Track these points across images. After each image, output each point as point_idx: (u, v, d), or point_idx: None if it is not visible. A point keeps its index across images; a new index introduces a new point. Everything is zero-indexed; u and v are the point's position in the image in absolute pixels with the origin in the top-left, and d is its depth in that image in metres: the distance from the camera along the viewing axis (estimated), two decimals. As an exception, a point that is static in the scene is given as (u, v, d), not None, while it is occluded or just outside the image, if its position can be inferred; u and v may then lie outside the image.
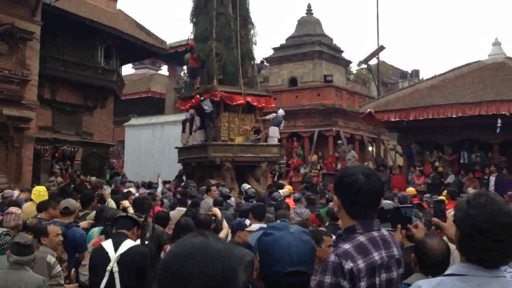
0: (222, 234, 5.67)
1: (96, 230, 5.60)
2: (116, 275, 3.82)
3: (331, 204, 8.44)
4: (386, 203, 2.43)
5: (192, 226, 5.11)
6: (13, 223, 5.10)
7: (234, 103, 15.29)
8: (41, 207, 5.90)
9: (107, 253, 3.92)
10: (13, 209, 5.34)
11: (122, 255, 3.87)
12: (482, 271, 1.67)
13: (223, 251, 1.14)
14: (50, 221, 5.52)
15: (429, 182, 15.41)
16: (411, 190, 11.46)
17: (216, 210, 5.42)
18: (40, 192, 7.47)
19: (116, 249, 3.93)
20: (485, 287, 1.65)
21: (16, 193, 8.70)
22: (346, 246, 1.94)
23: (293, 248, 1.67)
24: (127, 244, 4.00)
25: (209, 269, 1.09)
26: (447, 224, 2.29)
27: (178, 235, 4.82)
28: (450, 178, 15.02)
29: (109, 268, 3.84)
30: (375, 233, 2.02)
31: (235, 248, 1.22)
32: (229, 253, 1.16)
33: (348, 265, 1.87)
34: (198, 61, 15.58)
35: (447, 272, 1.76)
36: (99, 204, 6.95)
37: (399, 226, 2.47)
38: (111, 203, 6.81)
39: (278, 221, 5.22)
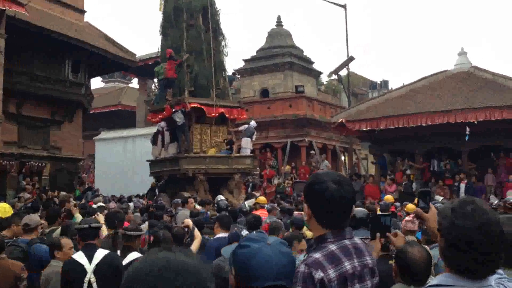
0: (195, 244, 5.53)
1: (62, 246, 5.35)
2: (95, 285, 3.85)
3: (295, 213, 8.39)
4: (359, 210, 2.36)
5: (170, 239, 4.97)
6: None
7: (207, 115, 15.17)
8: (4, 224, 5.62)
9: (82, 265, 3.89)
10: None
11: (98, 264, 3.89)
12: (467, 281, 1.58)
13: (190, 266, 1.05)
14: (13, 238, 5.27)
15: (401, 190, 15.57)
16: (389, 198, 11.45)
17: (188, 221, 5.28)
18: (5, 209, 7.15)
19: (90, 260, 3.92)
20: None
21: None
22: (317, 255, 1.85)
23: (272, 261, 1.56)
24: (101, 253, 4.03)
25: (176, 285, 0.99)
26: (429, 215, 2.21)
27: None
28: (417, 187, 15.19)
29: (86, 279, 3.84)
30: (347, 242, 1.94)
31: (204, 261, 1.11)
32: (197, 268, 1.06)
33: (319, 275, 1.78)
34: (175, 70, 15.25)
35: (432, 283, 1.67)
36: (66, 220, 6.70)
37: (378, 234, 2.39)
38: (79, 218, 6.58)
39: (254, 232, 5.12)
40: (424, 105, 16.00)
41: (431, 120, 15.28)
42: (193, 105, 14.75)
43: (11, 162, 16.34)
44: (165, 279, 0.99)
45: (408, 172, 16.94)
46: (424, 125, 15.42)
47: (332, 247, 1.88)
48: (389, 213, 2.63)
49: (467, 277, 1.57)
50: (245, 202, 10.68)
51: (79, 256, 4.01)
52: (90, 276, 3.85)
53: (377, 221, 2.52)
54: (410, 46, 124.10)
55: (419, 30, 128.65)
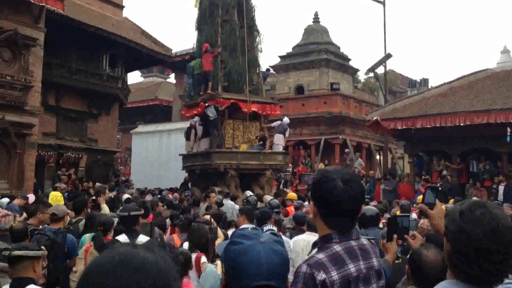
0: (217, 242, 5.55)
1: (87, 236, 5.47)
2: None
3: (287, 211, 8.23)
4: (369, 208, 2.26)
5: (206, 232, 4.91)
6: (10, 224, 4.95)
7: (240, 111, 15.18)
8: (30, 212, 5.76)
9: None
10: (5, 211, 5.19)
11: None
12: None
13: (151, 262, 0.97)
14: (40, 226, 5.40)
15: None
16: (420, 199, 11.16)
17: (206, 217, 5.25)
18: (56, 197, 7.40)
19: None
20: None
21: (5, 200, 8.55)
22: (320, 256, 1.77)
23: (263, 260, 1.48)
24: (142, 238, 4.30)
25: (135, 282, 0.93)
26: (434, 212, 2.12)
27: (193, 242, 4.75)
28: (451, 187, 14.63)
29: None
30: (353, 243, 1.85)
31: (170, 259, 1.04)
32: (160, 265, 0.98)
33: (321, 276, 1.71)
34: (211, 63, 15.23)
35: None
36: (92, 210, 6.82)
37: (395, 236, 2.29)
38: (105, 209, 6.68)
39: (249, 228, 5.01)
40: (463, 104, 15.48)
41: (469, 120, 14.76)
42: (226, 102, 14.77)
43: (49, 153, 16.81)
44: (121, 274, 0.93)
45: (444, 172, 16.46)
46: (462, 125, 14.92)
47: (337, 247, 1.80)
48: (407, 214, 2.51)
49: (473, 284, 1.47)
50: (249, 193, 10.71)
51: (123, 239, 4.32)
52: None
53: (394, 222, 2.41)
54: (453, 44, 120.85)
55: (462, 27, 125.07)
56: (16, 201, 7.72)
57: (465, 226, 1.46)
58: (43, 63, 14.56)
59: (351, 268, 1.77)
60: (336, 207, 1.81)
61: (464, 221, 1.47)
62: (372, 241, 2.08)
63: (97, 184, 16.74)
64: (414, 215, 7.88)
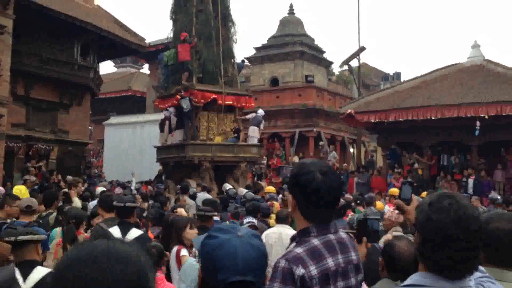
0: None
1: (58, 230, 5.35)
2: None
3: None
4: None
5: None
6: None
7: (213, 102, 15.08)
8: (-1, 205, 5.60)
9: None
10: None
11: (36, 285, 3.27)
12: (444, 281, 1.48)
13: (130, 254, 0.98)
14: (8, 220, 5.25)
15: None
16: (394, 190, 11.23)
17: (181, 210, 5.22)
18: (21, 191, 7.16)
19: (124, 236, 4.05)
20: None
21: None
22: (298, 250, 1.75)
23: (239, 254, 1.45)
24: (135, 232, 4.19)
25: (115, 273, 0.92)
26: (410, 208, 2.13)
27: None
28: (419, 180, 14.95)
29: None
30: (331, 236, 1.84)
31: (144, 252, 1.03)
32: (138, 256, 0.99)
33: (299, 271, 1.69)
34: (189, 53, 14.94)
35: (406, 282, 1.57)
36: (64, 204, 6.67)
37: (364, 239, 2.29)
38: (77, 202, 6.55)
39: (227, 222, 5.07)
40: (434, 98, 15.74)
41: (441, 114, 15.03)
42: (203, 96, 14.64)
43: (18, 145, 16.42)
44: (104, 265, 0.93)
45: (416, 165, 16.74)
46: (433, 118, 15.18)
47: (315, 242, 1.78)
48: (377, 217, 2.51)
49: (444, 276, 1.49)
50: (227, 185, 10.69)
51: (114, 231, 4.21)
52: None
53: (364, 224, 2.40)
54: (425, 38, 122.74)
55: (434, 22, 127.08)
56: None
57: (433, 215, 1.50)
58: (12, 51, 14.15)
59: (330, 262, 1.76)
60: (315, 199, 1.80)
61: (432, 210, 1.51)
62: (350, 234, 2.07)
63: (69, 177, 16.46)
64: (387, 208, 7.98)
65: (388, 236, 4.25)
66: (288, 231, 5.41)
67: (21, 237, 3.44)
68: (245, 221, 5.53)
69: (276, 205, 8.37)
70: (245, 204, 8.65)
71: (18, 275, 3.22)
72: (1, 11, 13.52)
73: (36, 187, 11.96)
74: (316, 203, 1.81)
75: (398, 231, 4.58)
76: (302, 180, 1.83)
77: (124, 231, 4.18)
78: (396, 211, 5.42)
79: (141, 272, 0.97)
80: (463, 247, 1.45)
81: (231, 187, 12.03)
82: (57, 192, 7.08)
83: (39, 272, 3.32)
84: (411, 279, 1.56)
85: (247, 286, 1.44)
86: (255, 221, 5.01)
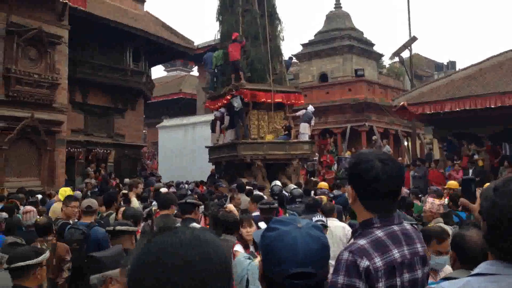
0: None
1: (119, 230, 5.50)
2: None
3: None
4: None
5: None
6: (33, 220, 5.08)
7: (264, 101, 15.11)
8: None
9: None
10: (28, 207, 5.29)
11: None
12: None
13: (213, 238, 1.05)
14: (71, 220, 5.46)
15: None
16: (452, 183, 10.81)
17: (231, 206, 5.28)
18: (66, 192, 7.48)
19: None
20: None
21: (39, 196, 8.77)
22: (362, 242, 1.69)
23: (299, 246, 1.41)
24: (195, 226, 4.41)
25: (209, 256, 0.98)
26: (476, 206, 2.03)
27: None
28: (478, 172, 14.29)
29: None
30: (395, 227, 1.76)
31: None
32: (218, 241, 1.06)
33: (364, 263, 1.63)
34: (240, 52, 14.92)
35: (475, 271, 1.49)
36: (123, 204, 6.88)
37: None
38: (135, 203, 6.72)
39: (287, 214, 5.06)
40: (492, 85, 15.04)
41: (501, 102, 14.32)
42: (249, 92, 14.69)
43: (78, 149, 17.11)
44: (195, 249, 0.98)
45: (476, 157, 16.06)
46: (493, 106, 14.50)
47: (379, 233, 1.72)
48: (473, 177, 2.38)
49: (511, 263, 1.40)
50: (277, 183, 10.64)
51: None
52: None
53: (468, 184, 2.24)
54: (480, 24, 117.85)
55: (488, 7, 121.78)
56: (56, 197, 7.84)
57: (498, 200, 1.41)
58: (68, 60, 14.75)
59: (395, 253, 1.69)
60: (375, 187, 1.74)
61: (497, 195, 1.42)
62: (415, 226, 1.98)
63: (126, 179, 16.97)
64: (446, 201, 7.71)
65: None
66: (336, 223, 5.35)
67: (118, 227, 4.12)
68: (314, 219, 5.49)
69: (325, 199, 8.31)
70: (294, 200, 8.82)
71: None
72: (56, 22, 14.11)
73: (96, 189, 12.41)
74: (377, 192, 1.75)
75: (440, 222, 4.44)
76: (361, 169, 1.77)
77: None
78: (437, 202, 5.35)
79: (225, 254, 1.02)
80: None
81: (278, 183, 11.99)
82: (117, 194, 7.30)
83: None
84: (479, 268, 1.48)
85: (308, 277, 1.40)
86: (324, 219, 4.94)
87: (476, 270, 1.48)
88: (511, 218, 1.37)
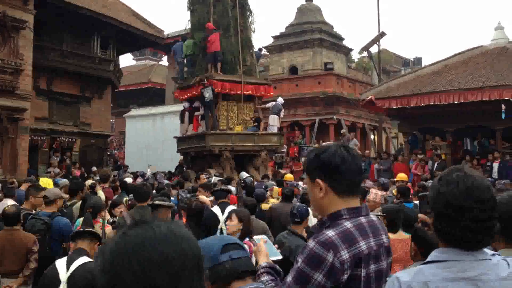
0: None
1: (81, 219, 5.43)
2: (224, 231, 4.52)
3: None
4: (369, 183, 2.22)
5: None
6: None
7: (233, 92, 15.08)
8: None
9: (217, 216, 5.23)
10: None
11: (72, 275, 3.50)
12: (464, 254, 1.47)
13: (188, 232, 1.05)
14: (33, 211, 5.35)
15: (433, 170, 15.11)
16: (401, 176, 11.04)
17: (203, 197, 5.32)
18: (47, 183, 7.33)
19: (223, 213, 5.14)
20: (469, 272, 1.45)
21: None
22: (330, 233, 1.69)
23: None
24: (230, 208, 5.03)
25: (184, 249, 0.99)
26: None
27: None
28: (439, 167, 14.68)
29: (219, 227, 5.07)
30: (363, 219, 1.79)
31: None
32: (191, 234, 1.07)
33: (329, 257, 1.64)
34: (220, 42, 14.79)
35: (427, 259, 1.55)
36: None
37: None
38: (101, 195, 6.65)
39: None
40: (457, 82, 15.43)
41: (464, 98, 14.71)
42: (220, 83, 14.64)
43: (42, 138, 16.69)
44: (171, 243, 0.98)
45: (438, 151, 16.48)
46: (456, 102, 14.88)
47: (348, 224, 1.73)
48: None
49: (461, 248, 1.48)
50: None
51: (216, 209, 5.40)
52: (222, 224, 5.14)
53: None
54: (447, 22, 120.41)
55: (455, 5, 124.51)
56: (23, 187, 7.61)
57: (442, 188, 1.51)
58: (34, 46, 14.34)
59: (362, 246, 1.71)
60: (345, 170, 1.78)
61: (442, 184, 1.52)
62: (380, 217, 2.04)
63: (93, 167, 16.70)
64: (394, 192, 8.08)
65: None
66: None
67: (156, 202, 4.80)
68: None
69: (276, 190, 8.52)
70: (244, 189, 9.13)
71: None
72: (21, 6, 13.68)
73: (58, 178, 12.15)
74: (346, 173, 1.78)
75: (379, 212, 4.68)
76: (326, 157, 1.80)
77: (222, 209, 5.32)
78: (380, 193, 5.66)
79: (199, 250, 1.03)
80: (477, 217, 1.44)
81: (248, 175, 12.08)
82: (83, 182, 7.20)
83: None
84: (431, 256, 1.55)
85: None
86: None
87: (428, 258, 1.54)
88: (454, 204, 1.45)
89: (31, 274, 4.95)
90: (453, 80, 15.64)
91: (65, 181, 8.80)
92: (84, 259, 3.61)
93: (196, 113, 15.27)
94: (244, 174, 12.42)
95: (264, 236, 2.32)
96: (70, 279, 3.47)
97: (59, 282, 3.48)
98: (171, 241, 0.98)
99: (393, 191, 8.46)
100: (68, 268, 3.54)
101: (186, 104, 15.82)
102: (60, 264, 3.62)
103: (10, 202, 5.95)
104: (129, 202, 6.50)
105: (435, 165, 15.04)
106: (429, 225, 2.18)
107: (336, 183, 1.79)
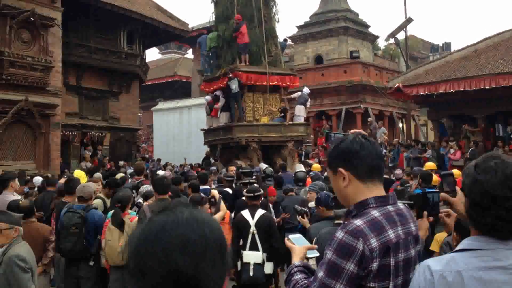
0: (217, 216, 6.07)
1: (111, 212, 5.55)
2: (256, 236, 5.27)
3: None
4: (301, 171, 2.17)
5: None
6: None
7: (259, 83, 15.08)
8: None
9: (247, 220, 5.35)
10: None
11: (258, 221, 5.32)
12: (497, 243, 1.45)
13: (210, 218, 1.10)
14: (68, 204, 5.50)
15: (467, 157, 14.81)
16: (429, 165, 10.86)
17: (214, 192, 5.54)
18: (81, 176, 7.56)
19: (253, 217, 5.37)
20: (502, 261, 1.43)
21: (39, 178, 8.85)
22: (358, 222, 1.69)
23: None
24: (260, 212, 5.43)
25: (207, 233, 1.03)
26: (456, 199, 2.08)
27: None
28: (471, 153, 14.36)
29: (251, 231, 5.31)
30: (390, 208, 1.77)
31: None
32: (214, 220, 1.12)
33: (359, 245, 1.63)
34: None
35: (458, 247, 1.53)
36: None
37: (425, 213, 2.20)
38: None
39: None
40: (487, 66, 15.05)
41: (495, 83, 14.35)
42: (245, 75, 14.66)
43: (73, 133, 17.05)
44: (194, 227, 1.02)
45: (471, 138, 16.14)
46: (487, 88, 14.53)
47: (375, 213, 1.72)
48: (437, 190, 2.39)
49: (494, 237, 1.45)
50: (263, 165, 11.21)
51: (246, 213, 5.49)
52: (253, 228, 5.32)
53: (424, 198, 2.29)
54: (476, 5, 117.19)
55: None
56: (62, 181, 7.85)
57: (479, 177, 1.47)
58: (62, 43, 14.62)
59: (391, 234, 1.70)
60: (365, 154, 1.78)
61: (478, 172, 1.48)
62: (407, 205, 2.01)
63: (121, 162, 16.96)
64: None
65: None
66: None
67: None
68: None
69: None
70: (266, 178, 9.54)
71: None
72: (49, 4, 13.94)
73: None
74: (368, 159, 1.78)
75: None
76: (346, 146, 1.81)
77: (252, 213, 5.46)
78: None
79: (221, 234, 1.07)
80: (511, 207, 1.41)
81: (267, 166, 12.12)
82: (116, 180, 7.38)
83: (259, 212, 5.45)
84: (462, 244, 1.53)
85: None
86: None
87: (460, 246, 1.52)
88: (491, 194, 1.42)
89: (49, 262, 5.38)
90: (483, 65, 15.27)
91: (98, 174, 9.07)
92: (261, 211, 5.49)
93: (215, 106, 15.31)
94: (263, 165, 12.46)
95: (300, 236, 2.31)
96: (257, 223, 5.33)
97: (249, 225, 5.33)
98: (192, 225, 1.02)
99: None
100: (253, 217, 5.40)
101: (208, 97, 15.89)
102: (246, 214, 5.41)
103: (9, 195, 6.20)
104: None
105: (469, 152, 14.80)
106: (451, 204, 2.13)
107: (358, 168, 1.79)
